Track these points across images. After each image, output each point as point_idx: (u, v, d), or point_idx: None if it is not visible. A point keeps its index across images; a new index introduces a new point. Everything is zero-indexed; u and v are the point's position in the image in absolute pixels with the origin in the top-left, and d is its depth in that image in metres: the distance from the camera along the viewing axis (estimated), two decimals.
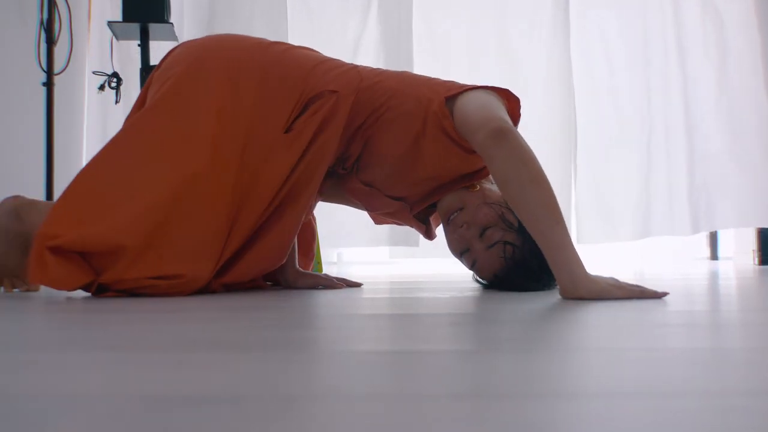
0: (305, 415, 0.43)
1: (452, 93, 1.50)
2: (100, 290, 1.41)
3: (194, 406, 0.45)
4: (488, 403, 0.46)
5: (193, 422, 0.41)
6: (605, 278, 1.28)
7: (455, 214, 1.58)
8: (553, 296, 1.33)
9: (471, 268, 1.62)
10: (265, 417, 0.42)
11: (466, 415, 0.43)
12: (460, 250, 1.59)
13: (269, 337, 0.78)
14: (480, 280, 1.65)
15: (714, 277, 2.31)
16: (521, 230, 1.48)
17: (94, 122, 3.83)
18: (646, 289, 1.28)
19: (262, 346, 0.71)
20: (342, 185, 1.72)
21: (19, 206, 1.61)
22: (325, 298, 1.41)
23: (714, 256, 4.99)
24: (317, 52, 1.70)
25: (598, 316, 1.01)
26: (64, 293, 1.50)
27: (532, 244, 1.38)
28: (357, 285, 1.81)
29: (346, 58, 3.86)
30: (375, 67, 1.73)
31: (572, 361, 0.63)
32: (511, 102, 1.54)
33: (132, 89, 3.38)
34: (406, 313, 1.09)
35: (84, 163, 3.80)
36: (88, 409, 0.45)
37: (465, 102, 1.48)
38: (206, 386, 0.51)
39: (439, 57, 3.91)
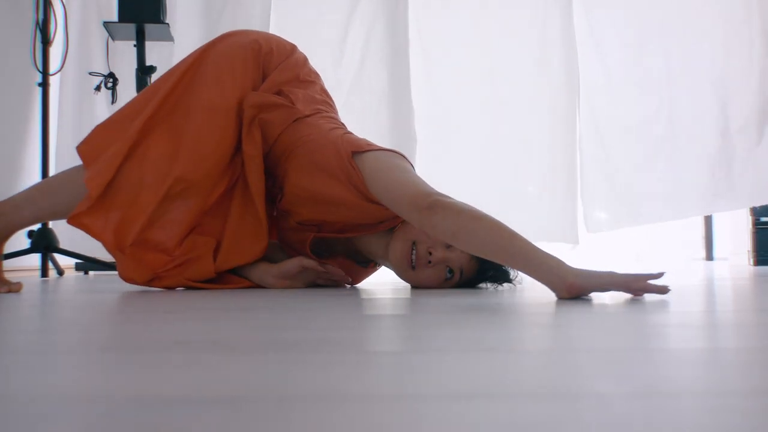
0: (303, 415, 0.43)
1: (360, 150, 1.66)
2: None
3: (193, 406, 0.45)
4: (486, 402, 0.46)
5: (192, 422, 0.41)
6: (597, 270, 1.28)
7: (413, 252, 1.67)
8: (553, 296, 1.32)
9: (461, 282, 1.69)
10: (264, 417, 0.42)
11: (464, 414, 0.43)
12: (446, 273, 1.67)
13: (266, 338, 0.78)
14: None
15: (710, 277, 2.31)
16: None
17: (90, 122, 3.81)
18: (641, 276, 1.26)
19: (259, 347, 0.71)
20: (276, 219, 1.86)
21: None
22: (323, 298, 1.41)
23: (710, 257, 5.00)
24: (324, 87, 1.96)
25: (595, 316, 1.01)
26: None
27: None
28: (345, 279, 1.83)
29: (338, 30, 3.76)
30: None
31: (570, 361, 0.63)
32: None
33: (128, 90, 3.37)
34: (405, 313, 1.09)
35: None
36: (85, 409, 0.45)
37: (377, 167, 1.63)
38: (205, 386, 0.51)
39: (440, 35, 3.82)
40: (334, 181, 1.66)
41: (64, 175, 1.69)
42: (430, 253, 1.65)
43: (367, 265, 1.92)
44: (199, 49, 1.79)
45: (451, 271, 1.66)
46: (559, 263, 1.28)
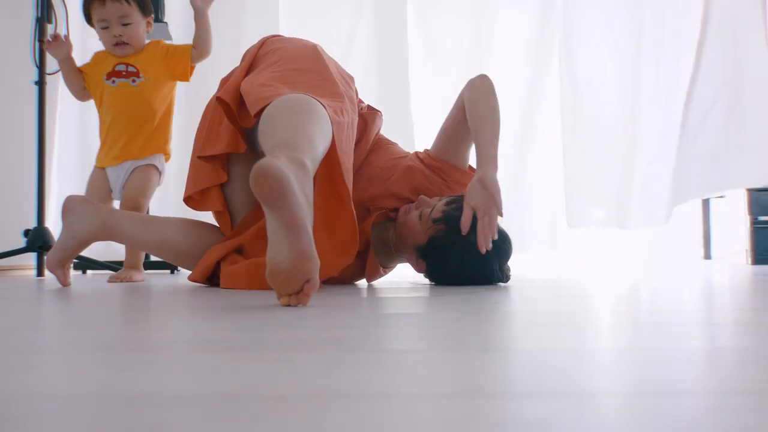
0: (301, 414, 0.43)
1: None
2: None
3: (191, 405, 0.45)
4: (484, 401, 0.46)
5: (190, 421, 0.41)
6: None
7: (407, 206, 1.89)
8: (552, 294, 1.32)
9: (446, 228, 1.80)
10: (263, 416, 0.42)
11: (461, 413, 0.43)
12: (418, 210, 1.84)
13: (264, 337, 0.78)
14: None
15: (707, 276, 2.31)
16: None
17: (89, 121, 3.80)
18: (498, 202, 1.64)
19: (257, 346, 0.71)
20: None
21: None
22: (322, 298, 1.41)
23: (707, 255, 5.00)
24: None
25: (594, 316, 1.01)
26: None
27: None
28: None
29: (339, 49, 3.79)
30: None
31: (569, 360, 0.63)
32: None
33: None
34: (405, 312, 1.09)
35: (74, 159, 3.79)
36: (84, 409, 0.45)
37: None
38: (203, 385, 0.51)
39: (434, 48, 3.84)
40: (393, 154, 1.94)
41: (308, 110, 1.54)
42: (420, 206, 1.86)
43: (387, 265, 1.99)
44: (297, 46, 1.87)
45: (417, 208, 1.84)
46: (495, 160, 1.71)
